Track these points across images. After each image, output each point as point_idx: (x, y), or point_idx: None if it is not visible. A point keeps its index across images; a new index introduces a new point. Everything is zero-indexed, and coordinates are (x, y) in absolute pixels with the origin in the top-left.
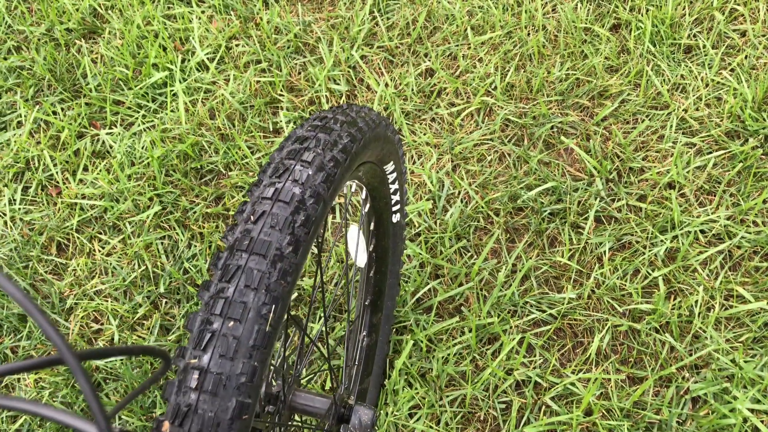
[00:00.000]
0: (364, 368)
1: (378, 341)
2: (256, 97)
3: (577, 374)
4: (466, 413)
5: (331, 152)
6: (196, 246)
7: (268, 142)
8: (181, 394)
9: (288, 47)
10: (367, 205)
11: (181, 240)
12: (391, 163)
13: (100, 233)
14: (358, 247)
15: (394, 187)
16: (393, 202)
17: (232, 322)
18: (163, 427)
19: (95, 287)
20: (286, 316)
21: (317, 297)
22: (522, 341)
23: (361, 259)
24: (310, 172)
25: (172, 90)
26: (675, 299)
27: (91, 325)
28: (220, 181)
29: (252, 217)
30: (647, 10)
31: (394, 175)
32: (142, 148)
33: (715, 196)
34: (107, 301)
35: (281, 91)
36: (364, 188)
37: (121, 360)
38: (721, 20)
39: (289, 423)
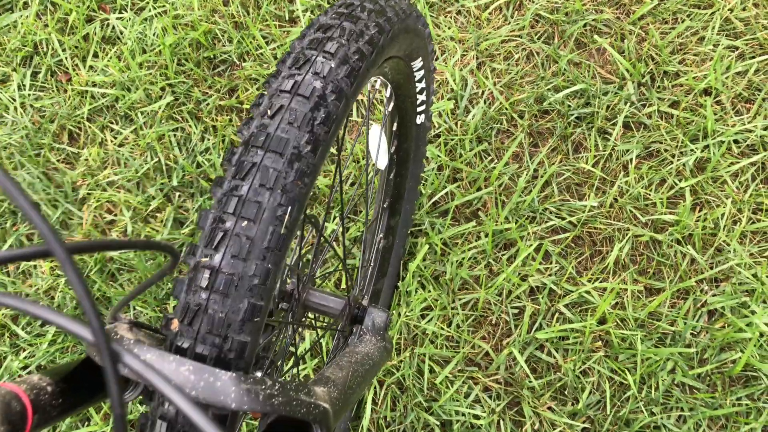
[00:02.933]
0: (380, 270)
1: (394, 244)
2: None
3: (593, 283)
4: (478, 316)
5: (356, 44)
6: (209, 139)
7: (284, 31)
8: (191, 293)
9: None
10: (391, 104)
11: (194, 132)
12: (420, 59)
13: (112, 123)
14: (379, 148)
15: (420, 85)
16: (418, 102)
17: (245, 222)
18: (172, 324)
19: (108, 178)
20: (302, 216)
21: (334, 197)
22: (539, 248)
23: (382, 161)
24: (333, 65)
25: None
26: (700, 211)
27: (105, 215)
28: (233, 73)
29: (269, 111)
30: None
31: (422, 72)
32: (154, 35)
33: (753, 104)
34: (120, 192)
35: None
36: (389, 85)
37: (135, 251)
38: None
39: (302, 321)
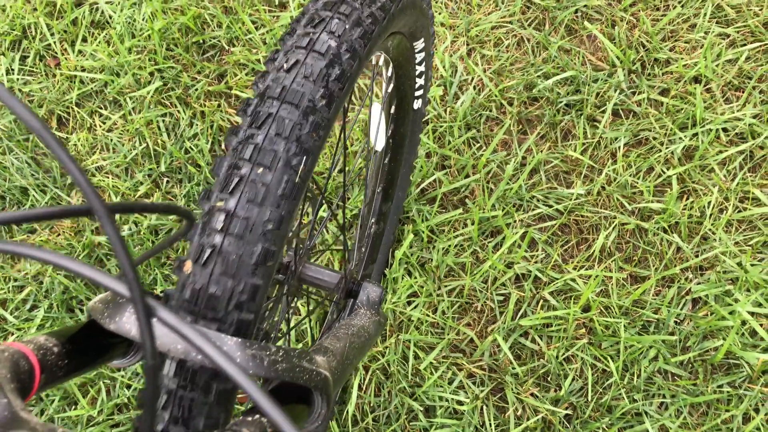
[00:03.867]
0: (369, 255)
1: (385, 231)
2: None
3: (578, 270)
4: (464, 303)
5: (369, 8)
6: (197, 125)
7: (273, 16)
8: (205, 235)
9: None
10: (391, 85)
11: (183, 118)
12: (422, 40)
13: (101, 108)
14: (378, 129)
15: (420, 69)
16: (417, 86)
17: (261, 169)
18: (185, 266)
19: (96, 163)
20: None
21: (336, 170)
22: (525, 236)
23: (380, 143)
24: (347, 26)
25: None
26: (687, 199)
27: None
28: (222, 58)
29: (285, 65)
30: None
31: (422, 55)
32: (143, 19)
33: (743, 92)
34: (108, 177)
35: None
36: (391, 64)
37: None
38: None
39: (298, 293)
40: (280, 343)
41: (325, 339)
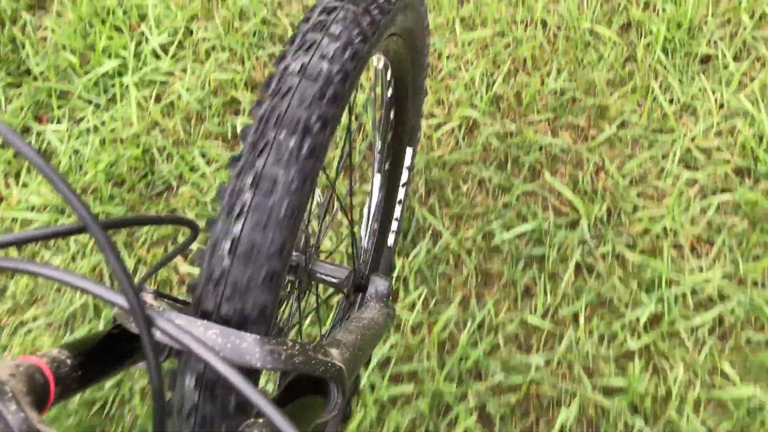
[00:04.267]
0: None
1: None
2: (216, 95)
3: None
4: None
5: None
6: (142, 272)
7: (228, 147)
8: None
9: (254, 35)
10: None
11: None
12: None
13: (44, 248)
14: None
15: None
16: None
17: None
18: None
19: (35, 317)
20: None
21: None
22: (483, 409)
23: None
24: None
25: (124, 83)
26: (652, 374)
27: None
28: (170, 200)
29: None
30: (663, 10)
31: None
32: (90, 150)
33: (713, 246)
34: (46, 333)
35: (242, 89)
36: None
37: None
38: (749, 26)
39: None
40: (292, 335)
41: (338, 332)
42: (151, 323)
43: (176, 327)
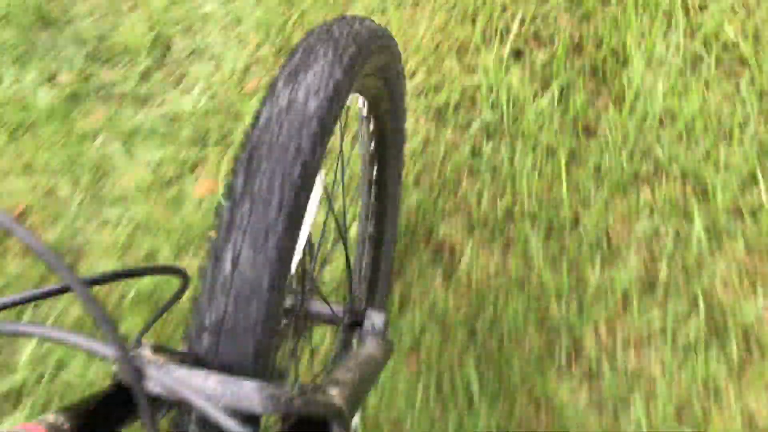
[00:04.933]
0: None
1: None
2: None
3: None
4: None
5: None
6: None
7: None
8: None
9: None
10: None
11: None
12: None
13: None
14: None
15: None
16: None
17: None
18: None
19: None
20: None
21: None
22: None
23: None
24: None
25: None
26: None
27: None
28: None
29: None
30: None
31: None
32: None
33: None
34: None
35: None
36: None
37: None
38: None
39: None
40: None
41: (336, 371)
42: (142, 374)
43: (172, 378)
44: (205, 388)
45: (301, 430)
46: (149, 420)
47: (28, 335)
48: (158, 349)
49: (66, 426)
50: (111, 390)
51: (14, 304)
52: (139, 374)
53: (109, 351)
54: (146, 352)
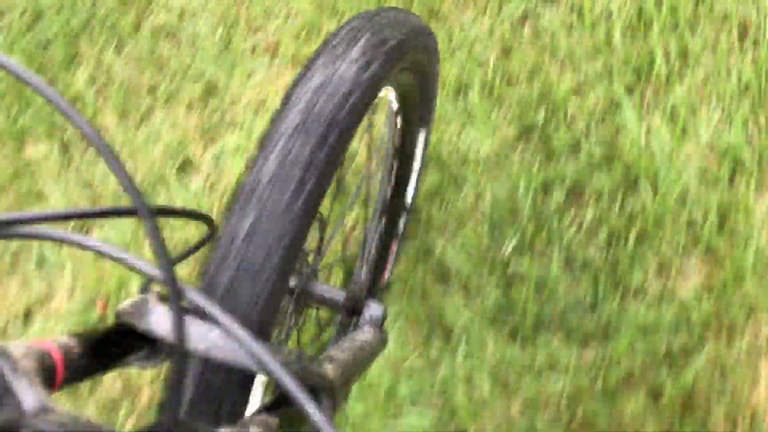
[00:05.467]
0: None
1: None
2: None
3: None
4: None
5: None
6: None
7: None
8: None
9: None
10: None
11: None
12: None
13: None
14: None
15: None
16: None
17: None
18: None
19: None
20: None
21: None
22: None
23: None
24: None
25: None
26: None
27: None
28: None
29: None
30: None
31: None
32: None
33: None
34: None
35: None
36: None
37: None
38: None
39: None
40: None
41: (332, 349)
42: (181, 295)
43: (205, 298)
44: (207, 339)
45: (290, 396)
46: (179, 343)
47: (82, 247)
48: (164, 298)
49: (77, 350)
50: (119, 328)
51: (80, 216)
52: (181, 294)
53: (157, 273)
54: (153, 297)
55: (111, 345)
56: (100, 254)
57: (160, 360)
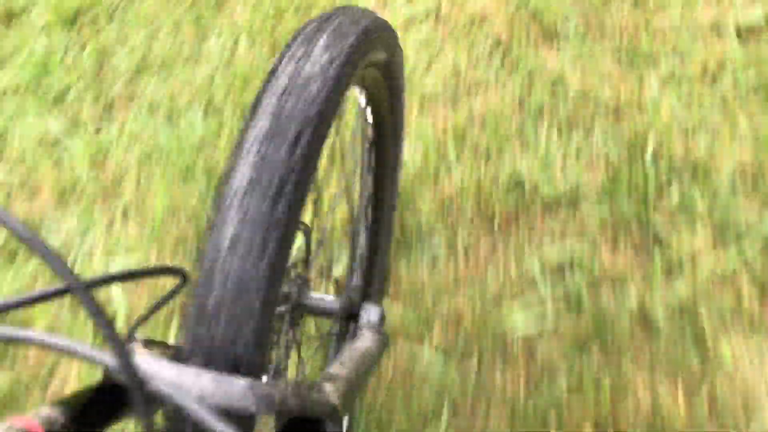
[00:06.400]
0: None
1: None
2: None
3: None
4: None
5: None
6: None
7: None
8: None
9: None
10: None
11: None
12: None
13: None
14: None
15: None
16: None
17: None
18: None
19: None
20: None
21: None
22: None
23: None
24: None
25: None
26: None
27: None
28: None
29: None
30: None
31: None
32: None
33: None
34: None
35: None
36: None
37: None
38: None
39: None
40: (291, 371)
41: (332, 366)
42: (143, 384)
43: (164, 379)
44: (197, 388)
45: (294, 428)
46: (148, 424)
47: (25, 342)
48: (149, 343)
49: (60, 420)
50: (104, 385)
51: (15, 305)
52: (140, 381)
53: (109, 359)
54: (138, 348)
55: (98, 406)
56: (45, 347)
57: (155, 412)
